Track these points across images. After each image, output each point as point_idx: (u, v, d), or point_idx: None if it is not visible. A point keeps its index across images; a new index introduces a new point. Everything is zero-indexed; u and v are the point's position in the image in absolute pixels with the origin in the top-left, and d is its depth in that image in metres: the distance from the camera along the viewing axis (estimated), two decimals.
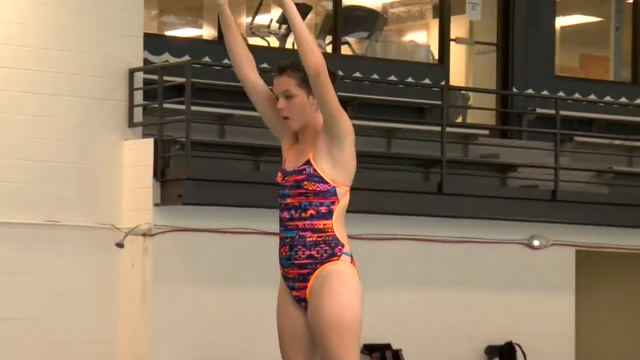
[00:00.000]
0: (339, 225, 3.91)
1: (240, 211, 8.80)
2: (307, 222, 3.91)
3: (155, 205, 8.57)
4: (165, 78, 8.84)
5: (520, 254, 10.00)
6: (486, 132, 10.62)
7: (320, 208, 3.90)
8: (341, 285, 3.86)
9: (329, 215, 3.90)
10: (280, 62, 4.01)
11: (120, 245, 8.63)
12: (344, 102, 10.15)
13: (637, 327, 10.74)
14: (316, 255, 3.91)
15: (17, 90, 8.55)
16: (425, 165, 9.77)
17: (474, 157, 10.22)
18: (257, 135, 9.10)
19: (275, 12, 10.76)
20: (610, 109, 11.37)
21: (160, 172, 8.59)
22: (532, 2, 11.21)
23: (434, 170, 9.66)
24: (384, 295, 9.08)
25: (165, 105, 8.80)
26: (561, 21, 11.77)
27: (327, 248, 3.90)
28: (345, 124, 3.88)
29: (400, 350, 9.39)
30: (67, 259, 8.59)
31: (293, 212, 3.95)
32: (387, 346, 9.32)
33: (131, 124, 8.85)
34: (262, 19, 10.72)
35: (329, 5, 10.62)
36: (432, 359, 9.54)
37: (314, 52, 3.78)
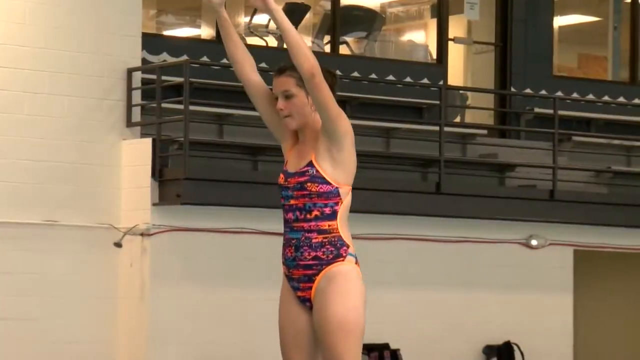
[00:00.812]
0: (343, 225, 3.94)
1: (239, 211, 8.80)
2: (313, 223, 3.93)
3: (154, 205, 8.57)
4: (164, 78, 8.84)
5: (519, 253, 10.00)
6: (484, 131, 10.63)
7: (325, 209, 3.92)
8: (347, 287, 3.90)
9: (333, 216, 3.93)
10: (280, 63, 4.02)
11: (118, 245, 8.64)
12: (342, 102, 10.22)
13: (636, 327, 10.75)
14: (322, 257, 3.93)
15: (16, 90, 8.56)
16: (424, 165, 9.79)
17: (472, 157, 10.23)
18: (255, 135, 9.11)
19: None
20: (608, 109, 11.38)
21: (159, 171, 8.58)
22: (530, 2, 11.22)
23: (432, 170, 9.68)
24: (382, 295, 9.09)
25: (164, 105, 8.80)
26: (559, 21, 11.78)
27: (332, 249, 3.93)
28: (344, 123, 3.90)
29: (399, 350, 9.39)
30: (65, 259, 8.59)
31: (298, 213, 3.96)
32: (386, 346, 9.33)
33: (129, 123, 8.85)
34: (260, 19, 10.72)
35: (327, 5, 10.63)
36: (430, 359, 9.55)
37: (306, 55, 3.80)
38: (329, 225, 3.92)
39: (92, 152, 8.72)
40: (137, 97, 8.91)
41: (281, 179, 4.02)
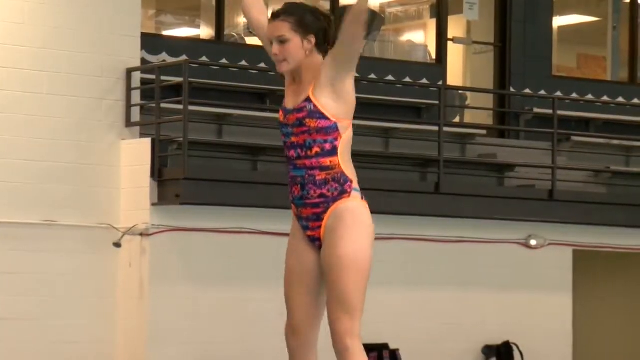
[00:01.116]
0: (345, 160, 3.98)
1: (238, 211, 8.80)
2: (314, 160, 3.97)
3: (153, 205, 8.57)
4: (163, 78, 8.84)
5: (518, 253, 10.01)
6: (483, 131, 10.64)
7: (325, 145, 3.95)
8: (354, 225, 3.94)
9: (333, 151, 3.96)
10: (274, 9, 4.06)
11: (117, 245, 8.64)
12: None
13: (635, 327, 10.76)
14: (327, 194, 3.98)
15: (15, 90, 8.56)
16: (423, 165, 9.79)
17: (472, 157, 10.23)
18: (254, 135, 9.11)
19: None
20: (607, 109, 11.39)
21: (158, 171, 8.58)
22: (529, 2, 11.23)
23: (432, 170, 9.68)
24: (381, 295, 9.09)
25: (163, 105, 8.80)
26: (558, 21, 11.78)
27: (336, 185, 3.97)
28: (355, 60, 3.95)
29: (398, 350, 9.39)
30: (64, 259, 8.59)
31: (299, 150, 4.00)
32: (385, 346, 9.33)
33: (128, 123, 8.85)
34: None
35: (327, 5, 10.63)
36: (429, 359, 9.55)
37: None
38: (330, 162, 3.96)
39: (91, 152, 8.72)
40: (136, 97, 8.91)
41: (280, 116, 4.06)
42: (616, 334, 10.77)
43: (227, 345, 8.87)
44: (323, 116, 3.94)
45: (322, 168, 3.96)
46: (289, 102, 4.03)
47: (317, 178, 3.96)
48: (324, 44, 4.00)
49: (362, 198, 4.01)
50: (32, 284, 8.50)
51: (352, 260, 3.90)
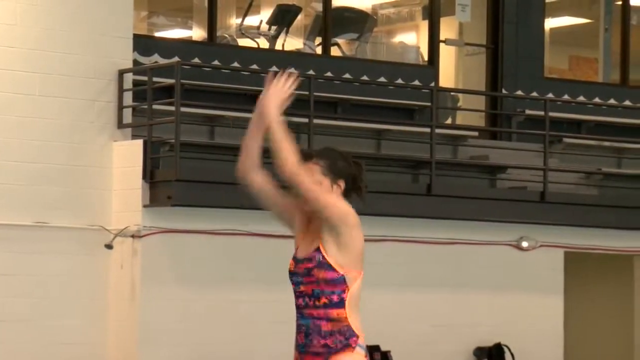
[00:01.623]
0: (352, 313, 3.98)
1: (230, 213, 8.80)
2: (322, 310, 3.98)
3: (145, 206, 8.58)
4: (155, 79, 8.84)
5: (509, 255, 10.03)
6: (475, 133, 10.65)
7: (332, 297, 3.97)
8: None
9: (341, 304, 3.97)
10: (304, 150, 4.12)
11: (109, 246, 8.64)
12: (334, 104, 10.23)
13: (625, 328, 10.78)
14: (331, 345, 3.98)
15: (7, 92, 8.55)
16: (415, 166, 9.80)
17: (464, 159, 10.25)
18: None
19: (265, 14, 10.79)
20: (599, 111, 11.41)
21: (150, 173, 8.59)
22: (521, 4, 11.25)
23: (424, 172, 9.69)
24: (373, 296, 9.09)
25: (155, 107, 8.80)
26: (550, 23, 11.81)
27: (341, 338, 3.97)
28: (334, 210, 3.95)
29: (389, 351, 9.41)
30: (56, 260, 8.59)
31: (307, 299, 4.01)
32: (376, 347, 9.35)
33: (120, 125, 8.86)
34: (251, 21, 10.73)
35: (319, 7, 10.64)
36: None
37: (287, 160, 3.93)
38: (337, 314, 3.96)
39: (83, 153, 8.73)
40: (128, 98, 8.92)
41: (291, 265, 4.08)
42: (607, 335, 10.80)
43: (218, 347, 8.87)
44: (331, 268, 3.95)
45: (329, 319, 3.96)
46: (301, 252, 4.04)
47: (323, 328, 3.97)
48: (352, 190, 4.05)
49: (365, 356, 4.00)
50: (24, 285, 8.49)
51: None
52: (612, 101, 11.58)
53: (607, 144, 11.03)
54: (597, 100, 11.47)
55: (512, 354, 9.93)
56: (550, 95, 11.10)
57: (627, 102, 11.68)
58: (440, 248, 9.71)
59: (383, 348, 9.39)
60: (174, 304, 8.70)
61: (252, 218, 8.83)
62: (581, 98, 11.44)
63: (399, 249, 9.50)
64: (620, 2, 11.94)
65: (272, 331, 8.94)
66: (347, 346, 3.96)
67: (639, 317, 10.63)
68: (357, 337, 3.98)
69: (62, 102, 8.70)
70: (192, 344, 8.77)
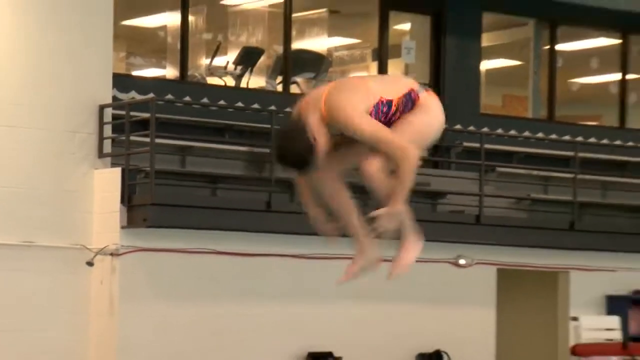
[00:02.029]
0: None
1: (200, 233, 8.94)
2: None
3: (122, 227, 8.72)
4: (132, 113, 9.01)
5: (448, 271, 10.19)
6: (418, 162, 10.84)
7: None
8: None
9: None
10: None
11: (90, 264, 8.76)
12: None
13: (550, 337, 10.93)
14: None
15: None
16: (364, 192, 10.01)
17: None
18: (214, 166, 9.34)
19: (232, 55, 11.01)
20: (528, 143, 11.61)
21: (127, 198, 8.73)
22: (460, 48, 11.52)
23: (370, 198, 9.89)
24: (326, 307, 9.24)
25: (132, 138, 8.97)
26: (486, 64, 12.06)
27: None
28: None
29: (341, 358, 9.57)
30: (41, 277, 8.68)
31: None
32: (330, 354, 9.50)
33: (101, 154, 9.02)
34: (219, 61, 10.96)
35: (280, 49, 10.88)
36: None
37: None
38: None
39: (66, 179, 8.85)
40: (108, 130, 9.09)
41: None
42: (534, 343, 10.91)
43: (193, 358, 8.93)
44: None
45: None
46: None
47: None
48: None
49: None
50: (10, 299, 8.57)
51: None
52: (540, 134, 11.78)
53: (535, 172, 11.20)
54: (527, 133, 11.65)
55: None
56: (485, 129, 11.31)
57: (554, 136, 11.90)
58: (386, 265, 9.89)
59: (336, 355, 9.56)
60: (151, 317, 8.77)
61: (220, 238, 9.01)
62: (513, 132, 11.62)
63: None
64: (547, 47, 12.26)
65: (244, 343, 9.05)
66: None
67: (562, 326, 10.69)
68: None
69: (48, 133, 8.82)
70: (167, 354, 8.84)
